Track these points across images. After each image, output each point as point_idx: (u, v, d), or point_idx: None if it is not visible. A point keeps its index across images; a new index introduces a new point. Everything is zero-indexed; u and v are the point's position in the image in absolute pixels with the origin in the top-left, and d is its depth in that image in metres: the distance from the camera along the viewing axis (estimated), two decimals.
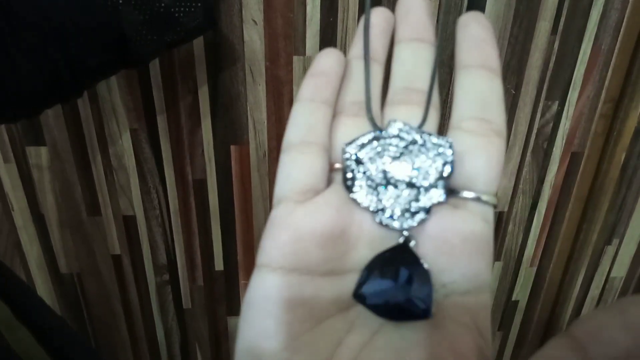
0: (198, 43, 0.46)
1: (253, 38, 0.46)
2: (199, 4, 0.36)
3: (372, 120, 0.18)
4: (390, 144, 0.18)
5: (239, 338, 0.17)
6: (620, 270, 0.63)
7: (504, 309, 0.65)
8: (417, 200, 0.17)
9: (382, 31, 0.20)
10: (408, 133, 0.18)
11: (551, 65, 0.49)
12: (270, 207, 0.57)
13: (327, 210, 0.17)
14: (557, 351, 0.14)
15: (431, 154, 0.18)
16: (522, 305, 0.65)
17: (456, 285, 0.17)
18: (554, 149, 0.54)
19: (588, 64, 0.49)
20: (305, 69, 0.47)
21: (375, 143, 0.18)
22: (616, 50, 0.49)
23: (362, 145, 0.18)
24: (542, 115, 0.52)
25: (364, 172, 0.18)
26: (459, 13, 0.46)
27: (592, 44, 0.49)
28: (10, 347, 0.26)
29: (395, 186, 0.18)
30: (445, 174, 0.17)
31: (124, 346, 0.62)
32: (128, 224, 0.54)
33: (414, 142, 0.18)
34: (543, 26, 0.47)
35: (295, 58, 0.47)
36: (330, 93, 0.19)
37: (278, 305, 0.17)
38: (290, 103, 0.49)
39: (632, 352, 0.12)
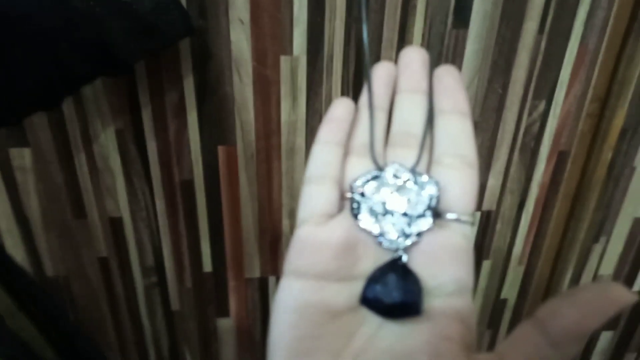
0: (184, 43, 0.45)
1: (240, 38, 0.45)
2: (177, 12, 0.37)
3: (374, 160, 0.23)
4: (388, 182, 0.23)
5: (270, 330, 0.21)
6: (608, 267, 0.63)
7: (492, 308, 0.65)
8: (409, 226, 0.22)
9: (385, 83, 0.24)
10: (402, 173, 0.22)
11: (538, 64, 0.49)
12: (258, 208, 0.56)
13: (339, 231, 0.22)
14: (523, 329, 0.18)
15: (421, 190, 0.22)
16: (511, 303, 0.65)
17: (443, 288, 0.21)
18: (541, 147, 0.54)
19: (575, 63, 0.50)
20: (292, 69, 0.47)
21: (376, 180, 0.23)
22: (602, 49, 0.49)
23: (366, 182, 0.23)
24: (529, 114, 0.52)
25: (367, 204, 0.22)
26: (446, 14, 0.46)
27: (579, 43, 0.49)
28: (16, 334, 0.27)
29: (392, 215, 0.22)
30: (432, 206, 0.22)
31: (112, 349, 0.62)
32: (115, 226, 0.54)
33: (407, 180, 0.22)
34: (530, 26, 0.47)
35: (282, 58, 0.46)
36: (342, 136, 0.23)
37: (302, 303, 0.21)
38: (278, 103, 0.48)
39: (579, 322, 0.17)
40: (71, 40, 0.33)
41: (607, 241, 0.61)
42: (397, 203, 0.22)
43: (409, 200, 0.22)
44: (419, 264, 0.21)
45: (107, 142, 0.49)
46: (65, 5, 0.32)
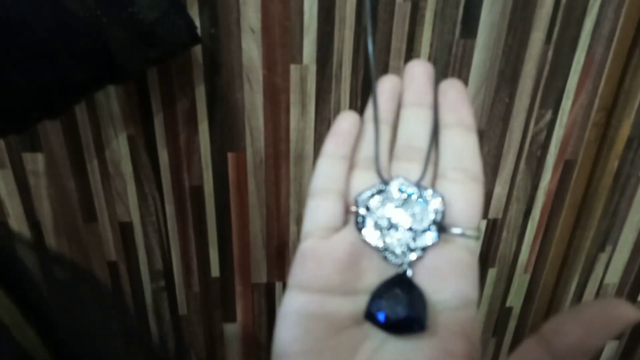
0: (196, 51, 0.46)
1: (250, 46, 0.46)
2: (182, 22, 0.36)
3: (379, 174, 0.23)
4: (393, 196, 0.22)
5: (275, 343, 0.21)
6: (614, 276, 0.63)
7: (498, 316, 0.65)
8: (414, 240, 0.22)
9: (390, 97, 0.24)
10: (407, 187, 0.22)
11: (545, 74, 0.50)
12: (266, 214, 0.57)
13: (343, 245, 0.22)
14: (528, 346, 0.18)
15: (426, 204, 0.22)
16: (516, 311, 0.65)
17: (447, 303, 0.21)
18: (548, 156, 0.54)
19: (581, 73, 0.50)
20: (302, 77, 0.48)
21: (381, 194, 0.23)
22: (609, 59, 0.50)
23: (371, 196, 0.23)
24: (536, 123, 0.52)
25: (372, 218, 0.22)
26: (454, 24, 0.46)
27: (586, 53, 0.49)
28: (20, 345, 0.27)
29: (397, 229, 0.22)
30: (437, 220, 0.22)
31: None
32: (124, 231, 0.54)
33: (412, 194, 0.22)
34: (537, 36, 0.48)
35: (292, 66, 0.47)
36: (347, 150, 0.23)
37: (305, 317, 0.21)
38: (287, 110, 0.49)
39: (582, 339, 0.17)
40: (71, 47, 0.33)
41: (613, 250, 0.61)
42: (402, 217, 0.22)
43: (413, 214, 0.22)
44: (424, 278, 0.21)
45: (119, 148, 0.50)
46: (65, 12, 0.32)
